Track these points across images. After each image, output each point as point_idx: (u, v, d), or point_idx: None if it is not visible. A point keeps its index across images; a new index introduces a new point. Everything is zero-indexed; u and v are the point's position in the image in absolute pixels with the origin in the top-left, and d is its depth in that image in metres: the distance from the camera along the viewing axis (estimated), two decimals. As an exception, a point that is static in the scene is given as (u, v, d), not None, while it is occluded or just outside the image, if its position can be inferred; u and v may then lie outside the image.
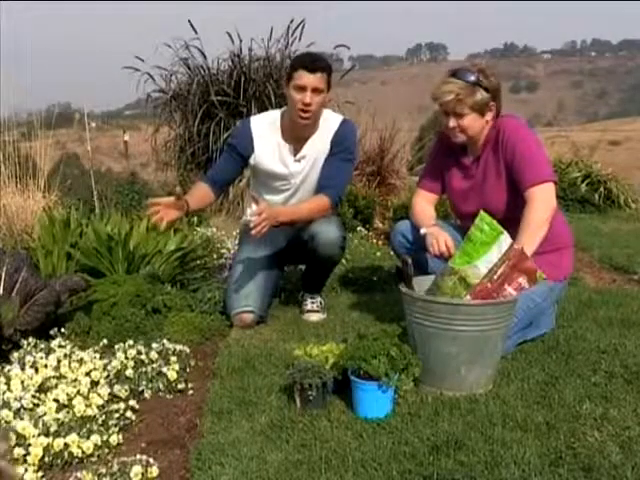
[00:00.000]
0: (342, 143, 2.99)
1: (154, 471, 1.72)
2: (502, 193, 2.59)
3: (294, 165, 3.03)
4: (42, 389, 2.14)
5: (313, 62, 2.87)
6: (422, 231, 2.68)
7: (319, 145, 3.01)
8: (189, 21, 6.84)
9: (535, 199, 2.44)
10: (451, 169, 2.78)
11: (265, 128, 3.04)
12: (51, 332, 2.69)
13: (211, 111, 6.50)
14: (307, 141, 3.01)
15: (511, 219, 2.39)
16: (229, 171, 3.17)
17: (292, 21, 6.71)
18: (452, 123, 2.59)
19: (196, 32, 6.82)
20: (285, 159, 3.03)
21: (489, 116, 2.59)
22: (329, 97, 3.21)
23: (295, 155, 3.03)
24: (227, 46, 6.70)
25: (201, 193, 3.09)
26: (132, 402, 2.13)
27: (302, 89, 2.84)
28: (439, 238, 2.56)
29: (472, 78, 2.51)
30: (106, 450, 1.88)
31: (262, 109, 6.15)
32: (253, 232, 2.66)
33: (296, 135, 3.01)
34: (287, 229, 3.05)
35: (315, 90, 2.85)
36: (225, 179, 3.22)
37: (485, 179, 2.65)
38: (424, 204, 2.86)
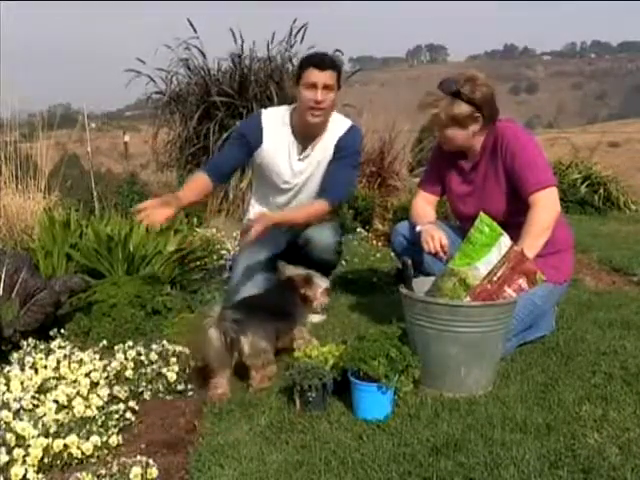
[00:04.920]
0: (346, 149, 3.00)
1: (154, 472, 1.72)
2: (501, 199, 2.59)
3: (297, 164, 3.04)
4: (42, 390, 2.14)
5: (322, 60, 2.89)
6: (417, 228, 2.69)
7: (324, 148, 3.02)
8: (188, 19, 6.83)
9: (539, 204, 2.43)
10: (451, 173, 2.78)
11: (275, 122, 3.04)
12: (51, 333, 2.69)
13: (211, 112, 6.49)
14: (314, 141, 3.02)
15: (510, 224, 2.38)
16: (233, 159, 3.09)
17: (295, 21, 6.71)
18: (438, 133, 2.61)
19: (195, 31, 6.82)
20: (290, 155, 3.03)
21: (474, 127, 2.56)
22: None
23: (300, 154, 3.03)
24: (228, 46, 6.70)
25: (198, 183, 2.97)
26: (132, 403, 2.13)
27: (313, 86, 2.85)
28: (434, 235, 2.56)
29: (452, 89, 2.49)
30: (106, 451, 1.89)
31: (263, 110, 6.15)
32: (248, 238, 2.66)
33: (305, 133, 3.01)
34: (287, 230, 3.05)
35: (326, 87, 2.86)
36: (228, 167, 3.10)
37: (484, 184, 2.65)
38: (424, 205, 2.87)
